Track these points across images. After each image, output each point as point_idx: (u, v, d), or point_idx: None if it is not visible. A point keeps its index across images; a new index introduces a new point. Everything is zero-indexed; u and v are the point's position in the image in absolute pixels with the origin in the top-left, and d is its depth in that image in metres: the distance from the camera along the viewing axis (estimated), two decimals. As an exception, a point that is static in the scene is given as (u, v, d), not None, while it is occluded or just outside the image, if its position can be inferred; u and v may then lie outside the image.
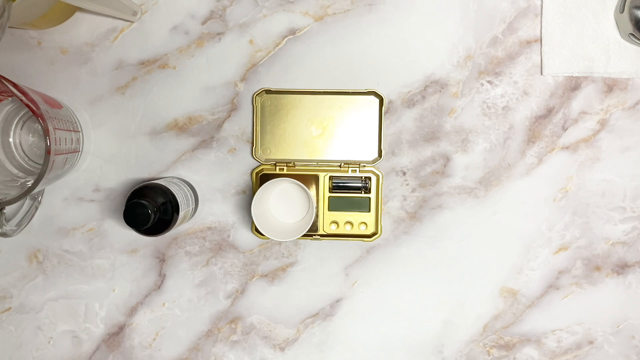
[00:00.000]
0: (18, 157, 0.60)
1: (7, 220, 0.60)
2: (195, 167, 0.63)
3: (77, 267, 0.64)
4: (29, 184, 0.54)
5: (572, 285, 0.63)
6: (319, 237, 0.62)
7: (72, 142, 0.57)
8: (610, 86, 0.62)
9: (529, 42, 0.62)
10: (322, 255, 0.64)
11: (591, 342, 0.64)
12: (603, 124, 0.62)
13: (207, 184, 0.63)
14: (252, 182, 0.63)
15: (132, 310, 0.65)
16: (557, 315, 0.64)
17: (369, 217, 0.62)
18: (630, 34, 0.59)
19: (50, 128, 0.51)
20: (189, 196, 0.60)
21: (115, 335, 0.65)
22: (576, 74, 0.61)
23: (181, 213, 0.57)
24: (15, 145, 0.60)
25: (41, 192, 0.63)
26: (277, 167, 0.62)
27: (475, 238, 0.63)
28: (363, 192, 0.62)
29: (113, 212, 0.64)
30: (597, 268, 0.63)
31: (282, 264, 0.64)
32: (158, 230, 0.56)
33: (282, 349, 0.65)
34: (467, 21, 0.61)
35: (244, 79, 0.62)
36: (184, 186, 0.60)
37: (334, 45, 0.62)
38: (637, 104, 0.62)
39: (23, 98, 0.50)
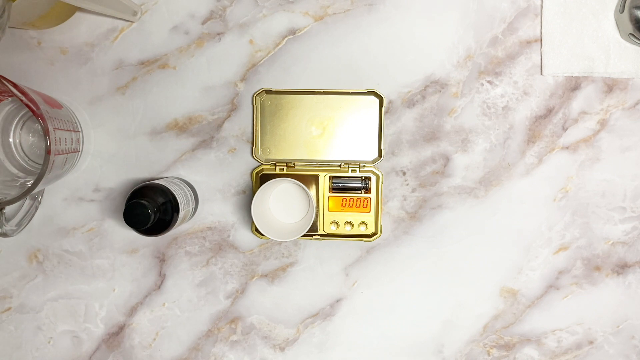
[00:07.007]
0: (18, 157, 0.60)
1: (7, 220, 0.60)
2: (195, 167, 0.63)
3: (77, 267, 0.64)
4: (29, 184, 0.54)
5: (572, 285, 0.63)
6: (319, 237, 0.62)
7: (72, 142, 0.57)
8: (610, 86, 0.62)
9: (529, 42, 0.62)
10: (322, 255, 0.64)
11: (591, 342, 0.64)
12: (603, 124, 0.62)
13: (207, 184, 0.63)
14: (252, 182, 0.63)
15: (132, 310, 0.65)
16: (557, 315, 0.64)
17: (369, 217, 0.62)
18: (630, 34, 0.59)
19: (50, 128, 0.51)
20: (189, 196, 0.60)
21: (115, 335, 0.65)
22: (576, 74, 0.61)
23: (181, 213, 0.57)
24: (15, 145, 0.60)
25: (41, 192, 0.63)
26: (277, 167, 0.62)
27: (475, 238, 0.63)
28: (363, 192, 0.62)
29: (113, 212, 0.64)
30: (597, 268, 0.63)
31: (282, 264, 0.64)
32: (158, 230, 0.56)
33: (282, 349, 0.65)
34: (467, 21, 0.61)
35: (244, 79, 0.62)
36: (184, 186, 0.60)
37: (334, 45, 0.62)
38: (637, 104, 0.62)
39: (23, 98, 0.50)
